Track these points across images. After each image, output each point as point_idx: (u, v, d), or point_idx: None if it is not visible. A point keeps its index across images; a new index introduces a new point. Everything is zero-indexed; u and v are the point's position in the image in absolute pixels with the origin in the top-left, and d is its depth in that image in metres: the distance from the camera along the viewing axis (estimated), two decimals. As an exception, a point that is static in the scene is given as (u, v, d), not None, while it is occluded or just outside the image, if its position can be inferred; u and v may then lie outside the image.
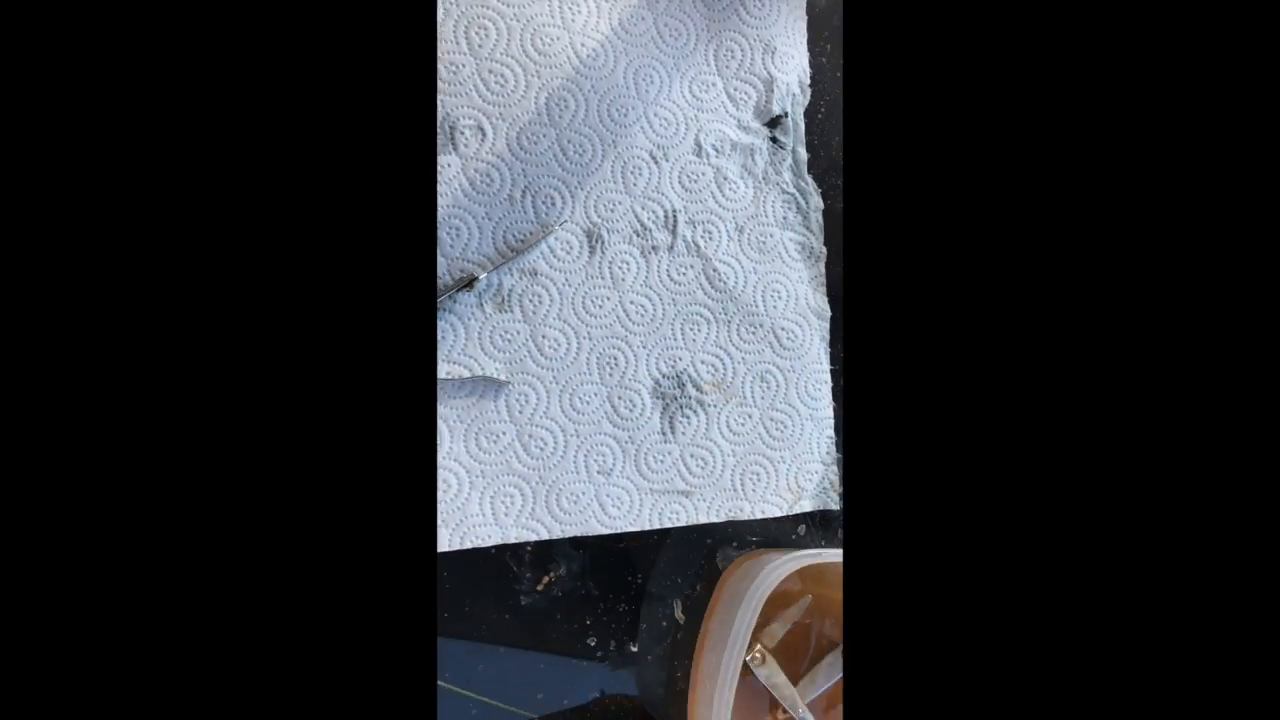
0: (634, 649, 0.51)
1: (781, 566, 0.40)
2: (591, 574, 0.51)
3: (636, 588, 0.52)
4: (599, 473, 0.51)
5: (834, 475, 0.54)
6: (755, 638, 0.47)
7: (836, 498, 0.54)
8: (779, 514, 0.53)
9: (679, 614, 0.52)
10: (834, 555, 0.42)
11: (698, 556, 0.52)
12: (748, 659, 0.46)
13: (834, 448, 0.54)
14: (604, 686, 0.51)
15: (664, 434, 0.52)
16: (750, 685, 0.48)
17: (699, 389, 0.53)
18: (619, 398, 0.52)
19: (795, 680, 0.48)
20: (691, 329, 0.53)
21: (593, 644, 0.51)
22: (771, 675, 0.47)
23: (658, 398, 0.52)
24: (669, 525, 0.51)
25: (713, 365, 0.53)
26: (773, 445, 0.53)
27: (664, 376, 0.52)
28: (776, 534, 0.54)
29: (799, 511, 0.53)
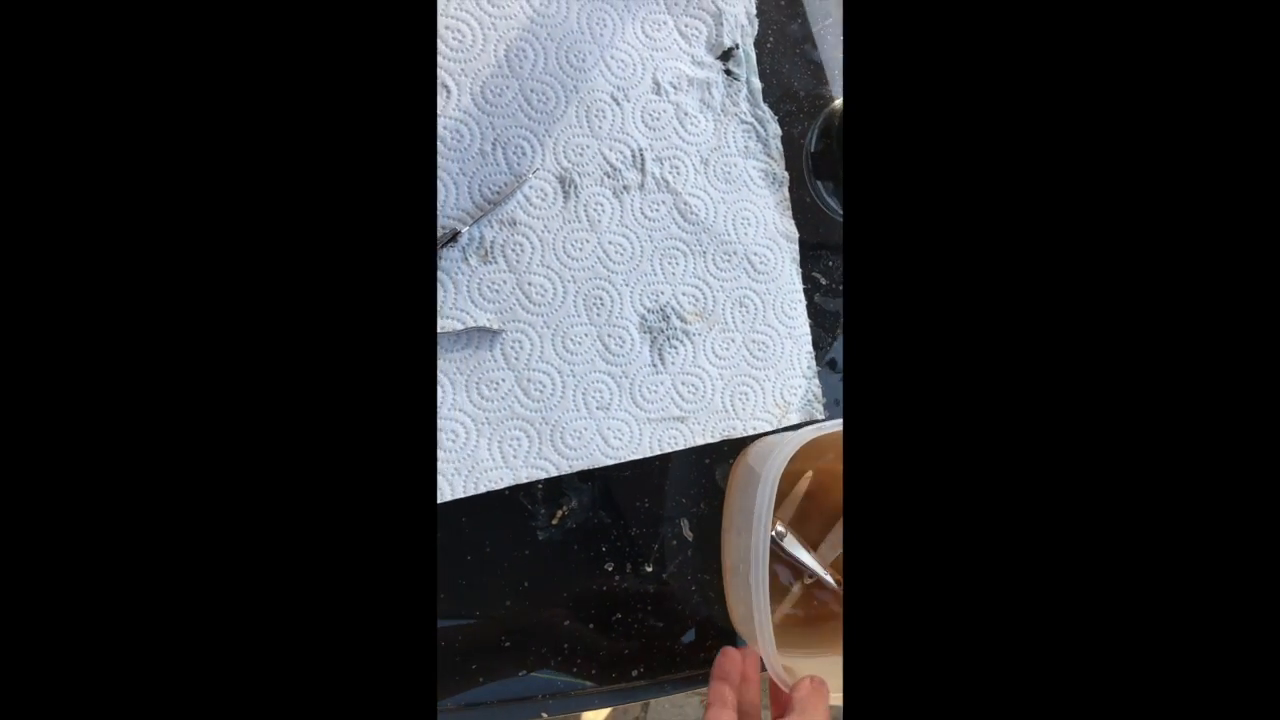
0: (649, 569, 0.54)
1: (788, 444, 0.43)
2: (602, 504, 0.54)
3: (646, 512, 0.54)
4: (598, 408, 0.53)
5: (816, 388, 0.57)
6: (774, 516, 0.51)
7: (821, 408, 0.57)
8: (769, 429, 0.56)
9: (687, 532, 0.55)
10: (830, 427, 0.45)
11: (699, 476, 0.55)
12: (773, 534, 0.50)
13: (813, 362, 0.57)
14: (624, 606, 0.54)
15: (654, 365, 0.54)
16: (775, 560, 0.52)
17: (683, 320, 0.55)
18: (608, 335, 0.54)
19: (814, 547, 0.53)
20: (669, 263, 0.55)
21: (610, 569, 0.54)
22: (793, 547, 0.51)
23: (645, 332, 0.54)
24: (668, 450, 0.54)
25: (693, 296, 0.55)
26: (757, 365, 0.56)
27: (649, 311, 0.55)
28: (769, 448, 0.57)
29: (787, 424, 0.56)
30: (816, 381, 0.57)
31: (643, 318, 0.54)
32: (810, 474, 0.53)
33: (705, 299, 0.56)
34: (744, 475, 0.50)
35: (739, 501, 0.49)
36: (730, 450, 0.56)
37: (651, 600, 0.54)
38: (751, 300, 0.56)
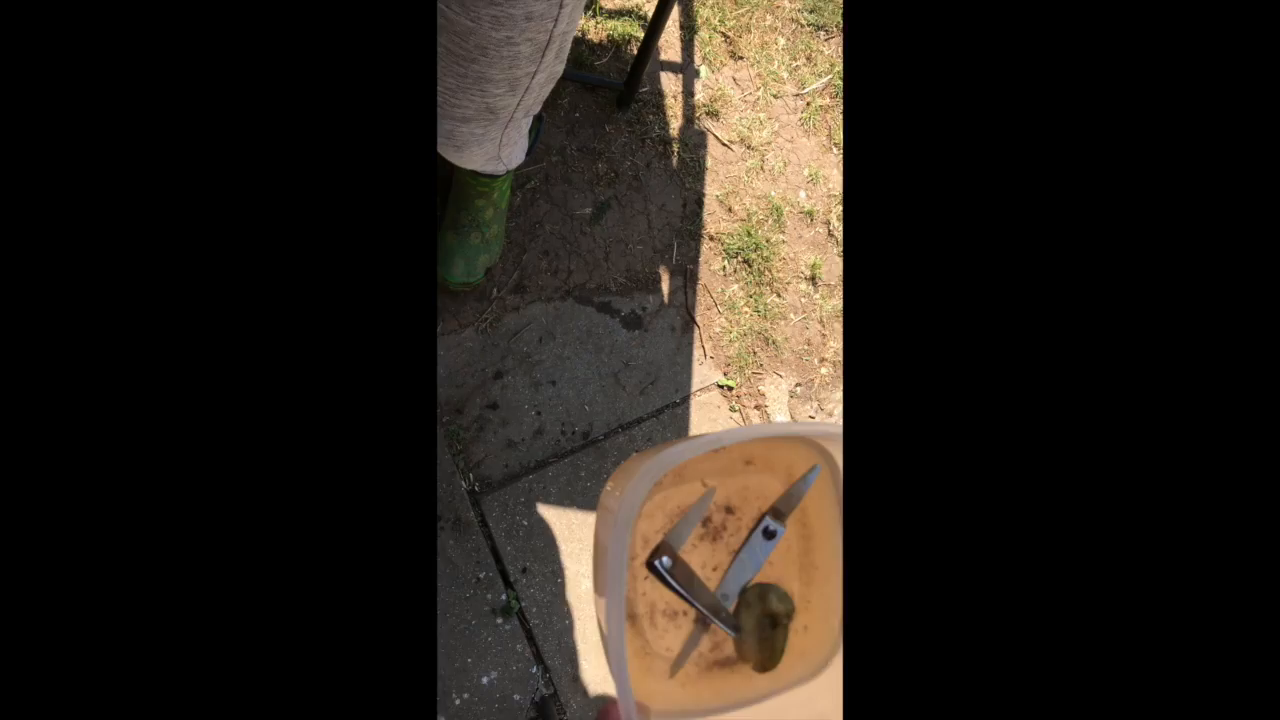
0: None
1: (649, 472, 0.41)
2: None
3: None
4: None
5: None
6: (660, 544, 0.50)
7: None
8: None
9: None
10: (698, 445, 0.43)
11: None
12: (658, 563, 0.49)
13: None
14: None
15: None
16: (664, 593, 0.51)
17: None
18: None
19: (727, 567, 0.51)
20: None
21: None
22: (680, 575, 0.50)
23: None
24: None
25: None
26: None
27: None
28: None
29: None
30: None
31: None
32: (713, 489, 0.53)
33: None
34: (603, 500, 0.49)
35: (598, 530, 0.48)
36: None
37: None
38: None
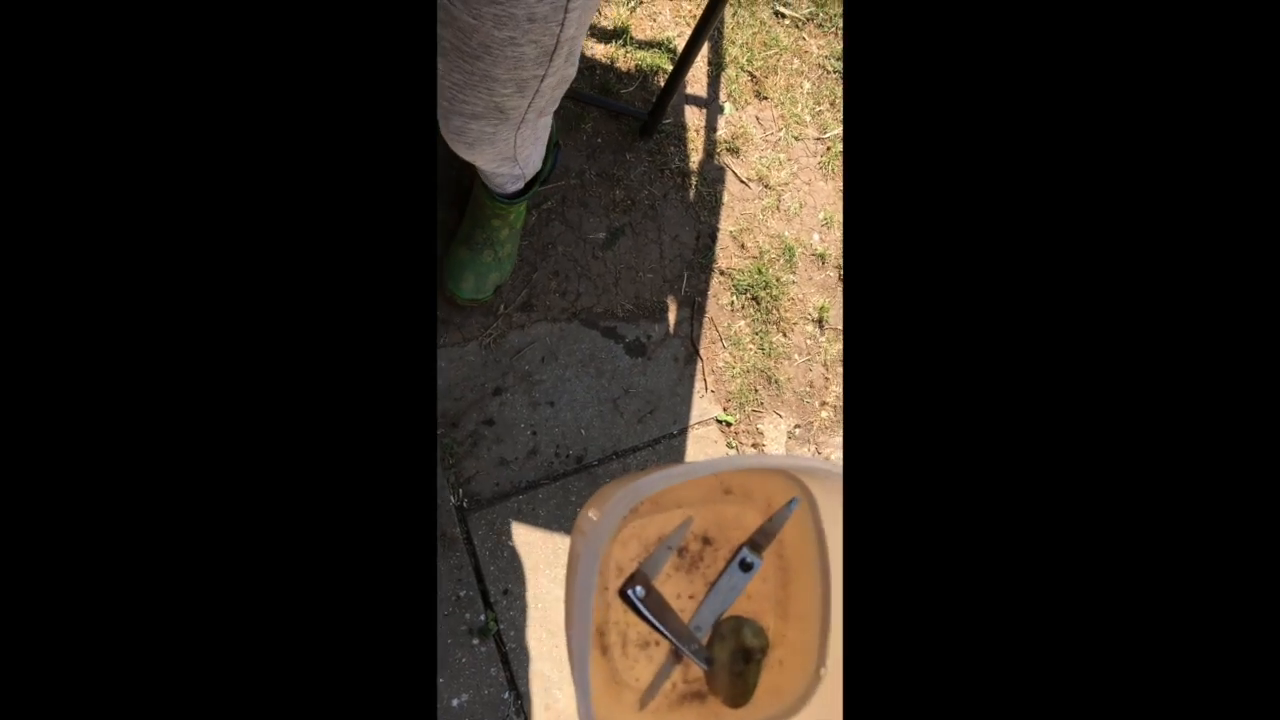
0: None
1: (623, 500, 0.41)
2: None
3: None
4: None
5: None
6: (635, 572, 0.49)
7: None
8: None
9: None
10: (673, 475, 0.42)
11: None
12: (631, 593, 0.48)
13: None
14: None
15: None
16: (636, 625, 0.50)
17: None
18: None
19: (702, 598, 0.50)
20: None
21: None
22: (653, 605, 0.49)
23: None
24: None
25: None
26: None
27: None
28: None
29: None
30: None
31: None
32: (691, 519, 0.52)
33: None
34: (579, 524, 0.48)
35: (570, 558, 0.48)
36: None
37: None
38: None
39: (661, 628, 0.48)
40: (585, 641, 0.40)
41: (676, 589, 0.51)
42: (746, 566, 0.51)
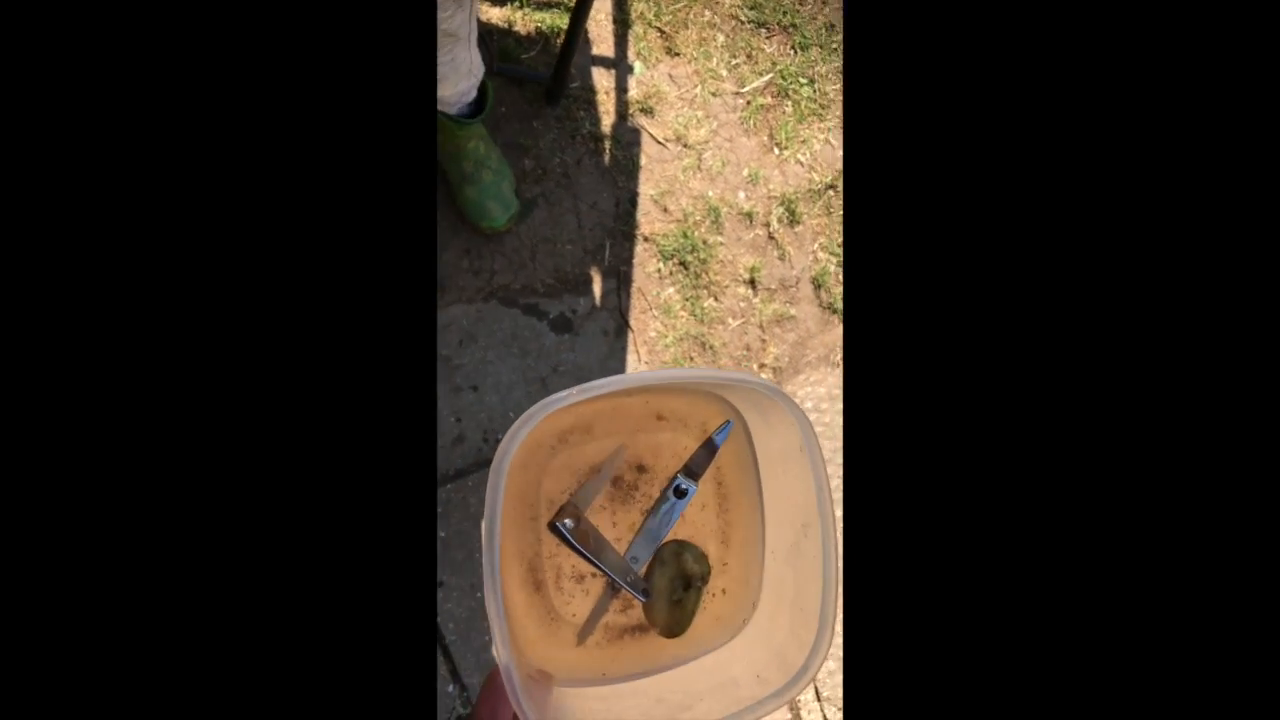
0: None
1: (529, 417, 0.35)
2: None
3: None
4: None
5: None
6: (564, 504, 0.43)
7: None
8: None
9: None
10: (606, 387, 0.36)
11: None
12: (562, 525, 0.42)
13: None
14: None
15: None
16: (572, 556, 0.44)
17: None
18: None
19: (639, 528, 0.46)
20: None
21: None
22: (584, 537, 0.43)
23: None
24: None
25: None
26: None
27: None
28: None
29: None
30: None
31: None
32: (624, 447, 0.47)
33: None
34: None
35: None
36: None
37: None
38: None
39: (593, 559, 0.42)
40: (495, 574, 0.34)
41: (612, 519, 0.45)
42: (681, 493, 0.46)
